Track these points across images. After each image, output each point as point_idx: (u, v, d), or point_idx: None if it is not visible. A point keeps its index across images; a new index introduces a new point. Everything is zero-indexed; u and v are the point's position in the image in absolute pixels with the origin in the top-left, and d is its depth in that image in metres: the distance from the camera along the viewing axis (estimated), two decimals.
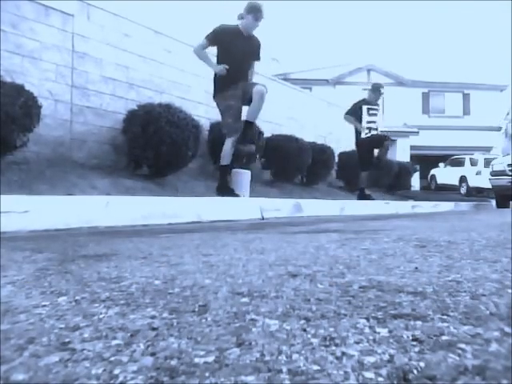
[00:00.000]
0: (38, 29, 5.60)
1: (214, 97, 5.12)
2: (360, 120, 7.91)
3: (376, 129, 8.02)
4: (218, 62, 4.97)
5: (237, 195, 5.03)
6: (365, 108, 7.95)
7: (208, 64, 5.00)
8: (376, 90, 8.19)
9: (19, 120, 4.51)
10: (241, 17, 5.00)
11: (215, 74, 5.01)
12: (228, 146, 4.98)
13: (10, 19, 5.30)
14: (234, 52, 4.90)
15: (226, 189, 5.01)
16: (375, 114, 8.08)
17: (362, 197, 8.03)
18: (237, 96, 4.90)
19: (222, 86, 4.92)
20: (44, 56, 5.66)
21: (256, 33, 5.19)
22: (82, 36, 6.11)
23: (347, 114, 8.11)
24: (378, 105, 8.25)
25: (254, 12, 4.87)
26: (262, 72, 11.52)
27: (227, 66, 4.83)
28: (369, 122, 7.93)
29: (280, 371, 0.53)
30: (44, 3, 5.66)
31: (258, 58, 5.29)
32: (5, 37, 5.24)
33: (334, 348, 0.60)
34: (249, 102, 4.88)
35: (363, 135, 7.87)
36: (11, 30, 5.31)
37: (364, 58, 28.16)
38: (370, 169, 8.14)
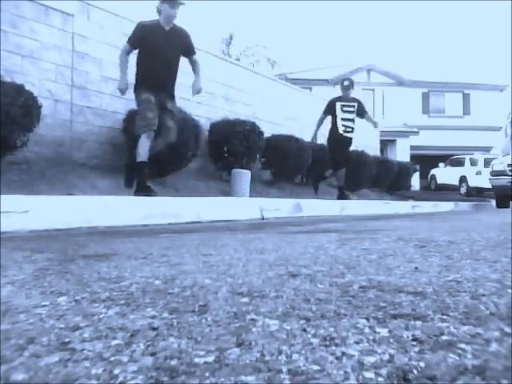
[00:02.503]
0: (38, 29, 5.60)
1: (134, 91, 4.71)
2: (335, 117, 7.64)
3: (352, 128, 7.70)
4: (140, 64, 4.67)
5: (154, 193, 4.46)
6: (338, 105, 7.66)
7: (121, 73, 4.62)
8: (345, 84, 7.81)
9: (19, 120, 4.51)
10: (158, 11, 4.59)
11: (138, 69, 4.67)
12: (144, 141, 4.52)
13: (10, 19, 5.30)
14: (156, 50, 4.56)
15: (145, 188, 4.50)
16: (351, 112, 7.73)
17: (342, 196, 7.85)
18: (157, 101, 4.61)
19: (144, 85, 4.59)
20: (44, 56, 5.66)
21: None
22: (82, 36, 6.11)
23: (324, 113, 7.83)
24: (356, 101, 7.87)
25: (168, 0, 4.53)
26: (262, 72, 11.56)
27: (127, 88, 4.61)
28: (344, 120, 7.64)
29: (280, 371, 0.53)
30: (44, 3, 5.66)
31: (189, 52, 4.83)
32: (5, 37, 5.24)
33: (334, 348, 0.60)
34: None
35: (340, 131, 7.56)
36: (11, 30, 5.32)
37: (364, 57, 28.15)
38: (344, 166, 7.95)
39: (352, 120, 7.80)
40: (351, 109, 7.80)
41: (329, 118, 7.87)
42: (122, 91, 4.68)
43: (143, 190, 4.43)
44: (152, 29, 4.60)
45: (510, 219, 3.87)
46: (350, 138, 7.79)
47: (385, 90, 23.75)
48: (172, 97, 4.82)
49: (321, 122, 7.89)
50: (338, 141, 7.64)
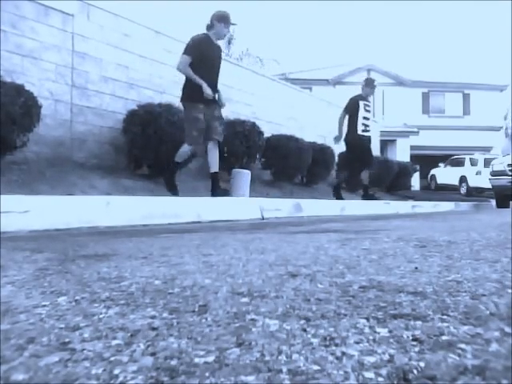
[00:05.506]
0: (38, 29, 5.60)
1: (181, 100, 5.11)
2: (357, 116, 7.63)
3: (368, 128, 7.77)
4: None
5: (176, 193, 5.12)
6: (362, 103, 7.67)
7: (197, 82, 4.91)
8: (370, 84, 7.90)
9: (19, 120, 4.51)
10: (210, 26, 5.11)
11: (187, 79, 4.99)
12: (186, 149, 5.10)
13: (10, 19, 5.30)
14: (209, 62, 5.02)
15: (173, 186, 5.20)
16: (369, 111, 7.88)
17: (366, 196, 7.87)
18: (207, 113, 4.97)
19: (195, 95, 4.90)
20: (44, 56, 5.66)
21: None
22: (82, 36, 6.11)
23: (345, 111, 7.78)
24: (369, 102, 8.02)
25: (225, 20, 5.10)
26: (262, 72, 11.55)
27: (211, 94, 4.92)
28: (365, 119, 7.69)
29: (280, 371, 0.53)
30: (44, 3, 5.66)
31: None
32: (5, 37, 5.24)
33: (334, 348, 0.60)
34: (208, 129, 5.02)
35: (359, 132, 7.55)
36: (11, 30, 5.31)
37: (364, 57, 28.16)
38: (368, 167, 7.95)
39: (369, 119, 7.89)
40: (370, 108, 7.94)
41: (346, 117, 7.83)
42: (209, 95, 4.92)
43: (172, 188, 5.17)
44: (206, 41, 5.10)
45: (510, 219, 3.87)
46: (369, 137, 7.82)
47: (385, 89, 23.73)
48: (217, 104, 5.18)
49: (342, 120, 7.79)
50: (358, 140, 7.61)
